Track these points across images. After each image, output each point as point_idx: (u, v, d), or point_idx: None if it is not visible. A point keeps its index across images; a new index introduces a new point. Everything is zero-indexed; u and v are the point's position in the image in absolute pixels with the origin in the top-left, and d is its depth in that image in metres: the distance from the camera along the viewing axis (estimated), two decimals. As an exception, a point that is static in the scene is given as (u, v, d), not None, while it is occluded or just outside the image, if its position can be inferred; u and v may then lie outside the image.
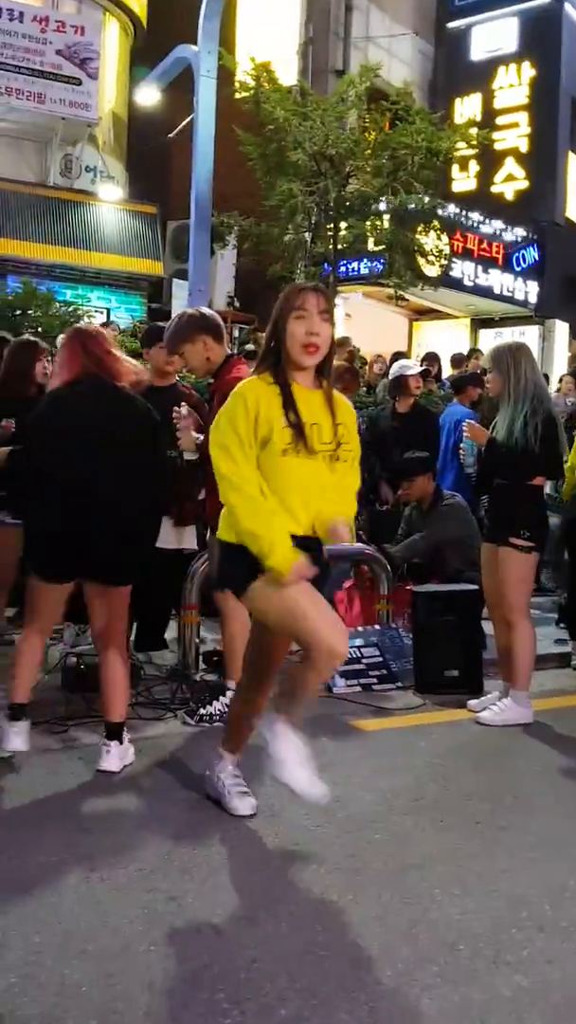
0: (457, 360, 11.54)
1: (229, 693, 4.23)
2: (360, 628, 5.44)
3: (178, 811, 3.26)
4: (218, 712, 4.27)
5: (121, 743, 3.61)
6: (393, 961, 2.33)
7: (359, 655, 5.09)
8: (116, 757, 3.57)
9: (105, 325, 8.45)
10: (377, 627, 5.43)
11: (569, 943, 2.44)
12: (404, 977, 2.26)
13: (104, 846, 2.93)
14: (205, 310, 4.28)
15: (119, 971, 2.25)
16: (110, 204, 15.80)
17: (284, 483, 2.88)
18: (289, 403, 2.91)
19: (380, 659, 5.11)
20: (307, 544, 2.89)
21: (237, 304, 16.15)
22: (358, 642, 5.16)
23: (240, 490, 2.86)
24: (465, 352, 12.84)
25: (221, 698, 4.30)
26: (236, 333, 13.58)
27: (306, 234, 13.89)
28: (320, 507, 2.91)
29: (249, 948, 2.36)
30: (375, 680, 5.01)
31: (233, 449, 2.88)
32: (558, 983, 2.27)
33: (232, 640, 4.16)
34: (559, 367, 15.67)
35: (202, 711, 4.31)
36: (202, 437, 4.04)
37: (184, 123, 12.26)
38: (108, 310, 14.89)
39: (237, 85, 13.27)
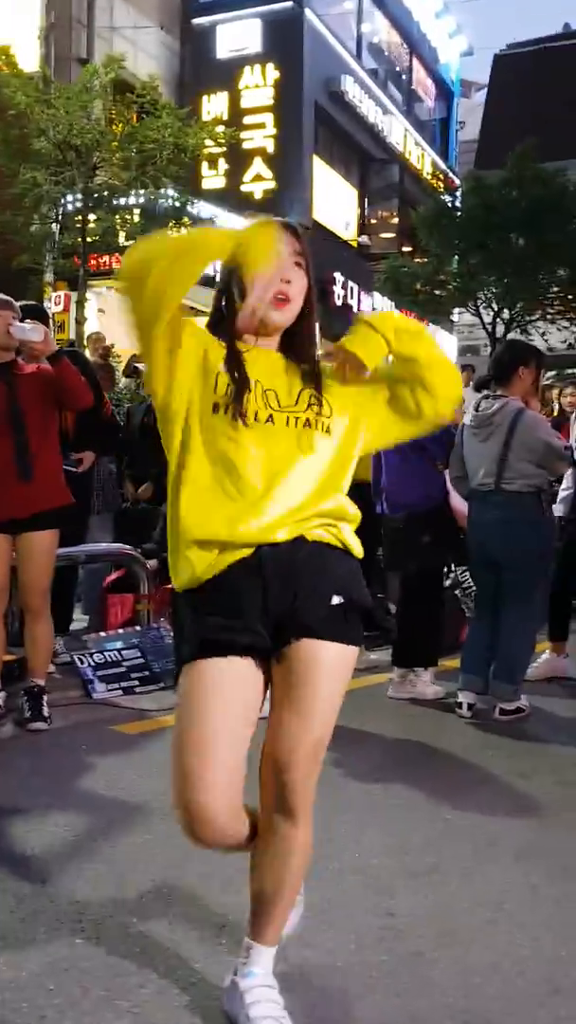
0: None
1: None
2: (120, 631, 5.41)
3: None
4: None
5: None
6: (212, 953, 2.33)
7: (119, 657, 5.06)
8: None
9: None
10: (138, 628, 5.41)
11: (323, 926, 2.53)
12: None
13: None
14: None
15: None
16: None
17: (225, 457, 1.95)
18: (233, 359, 2.02)
19: (142, 660, 5.08)
20: (252, 563, 1.93)
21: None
22: (118, 644, 5.14)
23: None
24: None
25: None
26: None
27: (53, 225, 13.58)
28: (292, 494, 1.97)
29: (8, 972, 2.29)
30: (136, 683, 4.97)
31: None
32: (315, 965, 2.35)
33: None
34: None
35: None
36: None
37: None
38: None
39: (-27, 67, 12.76)
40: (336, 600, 1.97)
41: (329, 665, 1.97)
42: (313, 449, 2.00)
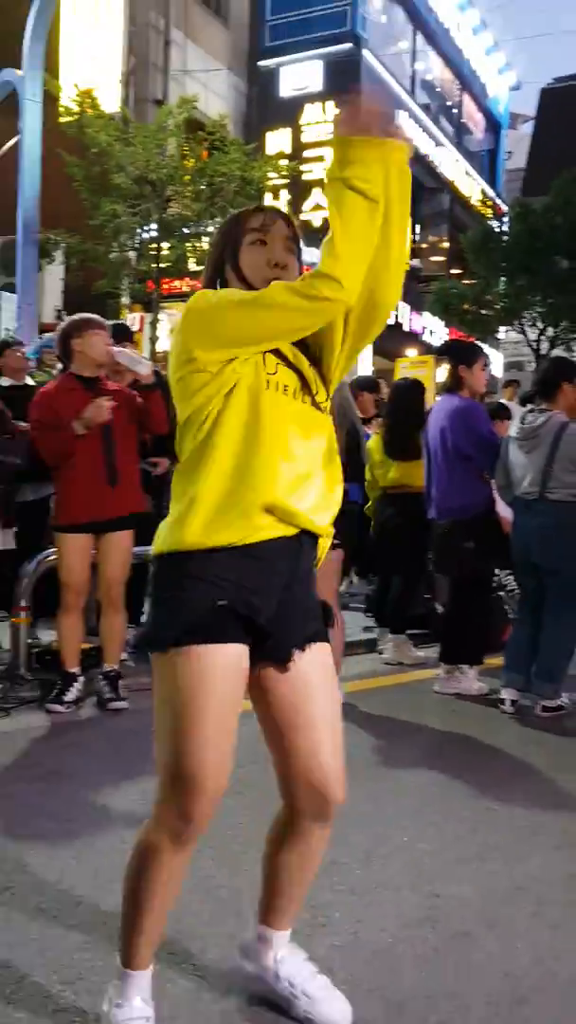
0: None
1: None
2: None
3: (8, 806, 3.15)
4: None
5: None
6: (225, 926, 2.33)
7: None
8: None
9: None
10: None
11: (374, 905, 2.51)
12: (232, 943, 2.27)
13: None
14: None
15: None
16: None
17: (272, 436, 1.73)
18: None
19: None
20: (295, 547, 1.78)
21: (65, 316, 15.77)
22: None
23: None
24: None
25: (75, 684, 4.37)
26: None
27: (130, 252, 13.77)
28: (320, 481, 1.81)
29: (82, 929, 2.31)
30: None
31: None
32: (365, 938, 2.34)
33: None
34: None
35: (66, 697, 4.31)
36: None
37: (9, 144, 11.85)
38: None
39: (61, 110, 13.01)
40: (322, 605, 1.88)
41: (326, 664, 1.86)
42: (330, 433, 1.86)
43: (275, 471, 1.72)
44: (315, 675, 1.82)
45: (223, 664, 1.71)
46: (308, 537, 1.80)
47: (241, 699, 1.78)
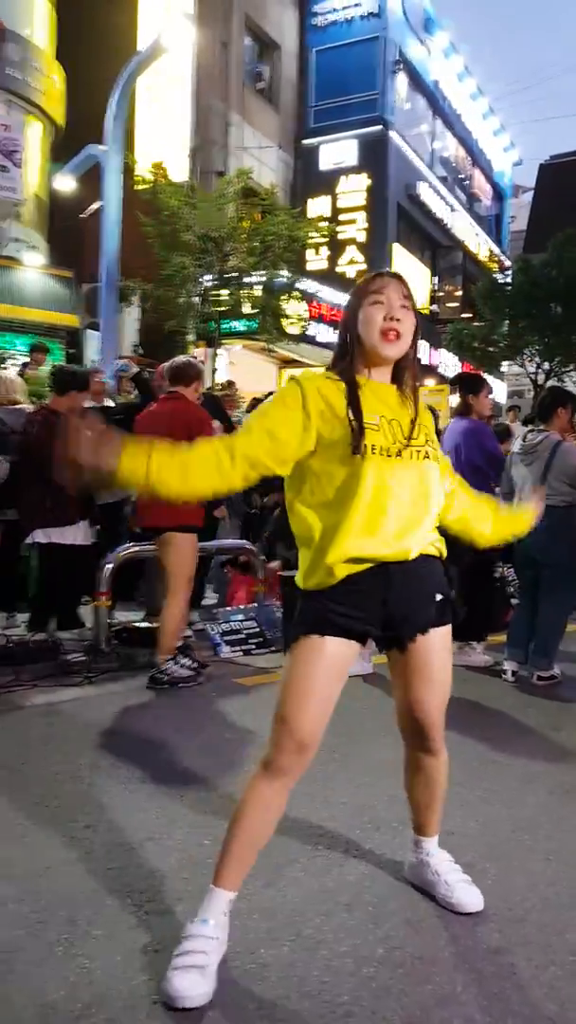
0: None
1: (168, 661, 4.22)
2: (242, 606, 5.46)
3: (92, 757, 3.19)
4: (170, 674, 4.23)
5: None
6: (268, 860, 2.34)
7: (241, 627, 5.10)
8: None
9: (26, 366, 8.23)
10: (255, 604, 5.45)
11: (399, 838, 2.51)
12: (274, 872, 2.28)
13: (32, 789, 2.84)
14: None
15: (44, 888, 2.18)
16: (33, 268, 15.30)
17: (363, 490, 1.80)
18: (354, 399, 1.84)
19: (257, 629, 5.11)
20: (409, 570, 1.87)
21: (141, 351, 15.94)
22: (239, 617, 5.18)
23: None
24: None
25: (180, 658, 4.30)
26: (144, 375, 13.41)
27: (195, 298, 13.88)
28: (418, 518, 1.87)
29: (153, 860, 2.34)
30: (254, 646, 5.01)
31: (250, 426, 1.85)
32: (389, 868, 2.33)
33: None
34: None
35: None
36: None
37: (94, 207, 12.03)
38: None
39: (137, 179, 13.16)
40: (438, 597, 1.94)
41: (441, 645, 1.98)
42: (430, 478, 1.89)
43: (348, 533, 1.80)
44: (429, 653, 1.96)
45: (324, 651, 1.85)
46: (396, 561, 1.86)
47: (339, 679, 1.89)
